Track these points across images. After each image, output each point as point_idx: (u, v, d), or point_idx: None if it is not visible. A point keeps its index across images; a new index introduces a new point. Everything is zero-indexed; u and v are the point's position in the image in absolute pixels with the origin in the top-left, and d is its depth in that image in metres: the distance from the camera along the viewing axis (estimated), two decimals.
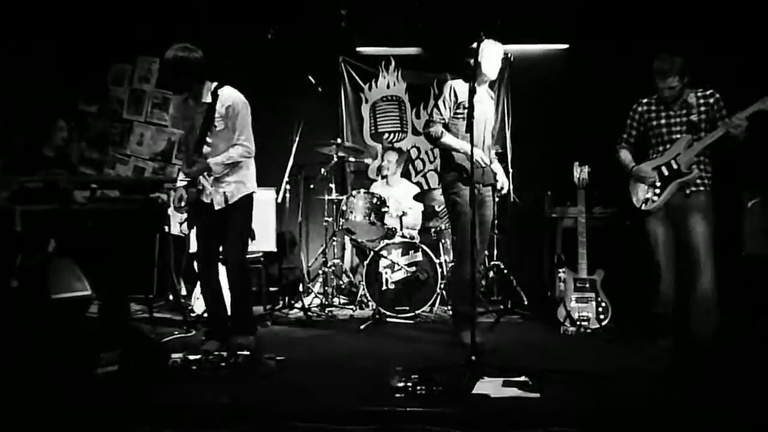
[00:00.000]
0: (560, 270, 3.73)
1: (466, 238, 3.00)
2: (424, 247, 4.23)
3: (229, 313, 3.23)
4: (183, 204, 3.05)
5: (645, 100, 3.22)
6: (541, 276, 4.52)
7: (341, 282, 4.76)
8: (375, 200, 4.22)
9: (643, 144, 3.21)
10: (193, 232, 3.12)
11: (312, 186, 4.75)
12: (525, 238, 4.64)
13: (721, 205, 3.05)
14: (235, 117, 3.03)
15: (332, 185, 4.64)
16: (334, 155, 4.55)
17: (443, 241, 4.45)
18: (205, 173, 3.04)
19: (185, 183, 3.05)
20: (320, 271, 4.65)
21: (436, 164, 5.33)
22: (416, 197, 4.48)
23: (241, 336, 3.15)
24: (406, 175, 5.09)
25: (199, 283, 3.95)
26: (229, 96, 3.05)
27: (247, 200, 3.17)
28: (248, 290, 3.20)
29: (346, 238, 4.77)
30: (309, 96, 4.07)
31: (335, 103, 5.30)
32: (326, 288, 4.61)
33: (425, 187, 5.11)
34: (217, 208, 3.13)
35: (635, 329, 3.33)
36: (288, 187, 4.53)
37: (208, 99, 3.01)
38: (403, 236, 4.39)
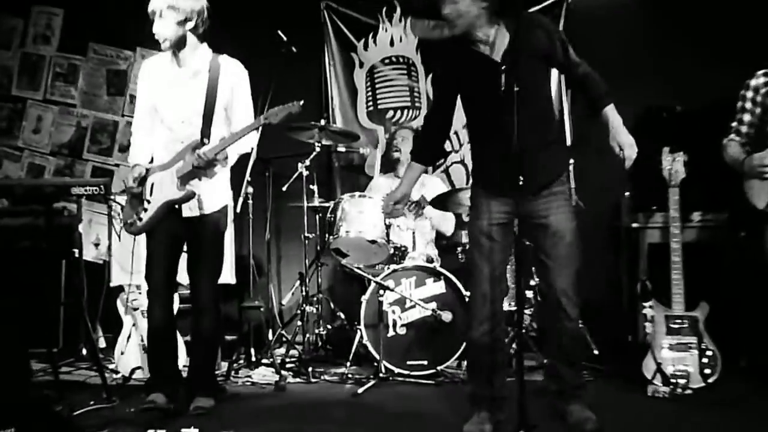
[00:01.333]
0: (646, 304, 3.73)
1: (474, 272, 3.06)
2: (448, 274, 4.23)
3: (181, 365, 3.47)
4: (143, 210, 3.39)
5: (763, 72, 3.26)
6: (617, 313, 4.49)
7: (329, 326, 4.78)
8: (379, 205, 4.23)
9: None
10: (139, 251, 3.34)
11: (284, 189, 4.70)
12: (592, 258, 4.25)
13: None
14: (242, 94, 3.46)
15: (314, 187, 4.67)
16: (317, 143, 4.56)
17: None
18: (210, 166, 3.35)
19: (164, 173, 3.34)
20: (298, 311, 4.60)
21: (463, 153, 5.37)
22: (435, 202, 4.51)
23: (205, 398, 3.40)
24: None
25: (123, 332, 4.05)
26: (236, 67, 3.47)
27: (226, 213, 3.52)
28: (220, 340, 3.42)
29: (336, 262, 4.80)
30: (279, 59, 4.00)
31: (317, 69, 5.34)
32: (308, 335, 4.63)
33: (447, 186, 5.15)
34: (186, 215, 3.39)
35: (758, 389, 3.35)
36: (250, 191, 4.56)
37: (197, 65, 3.41)
38: (420, 258, 4.43)
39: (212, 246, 3.46)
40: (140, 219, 3.45)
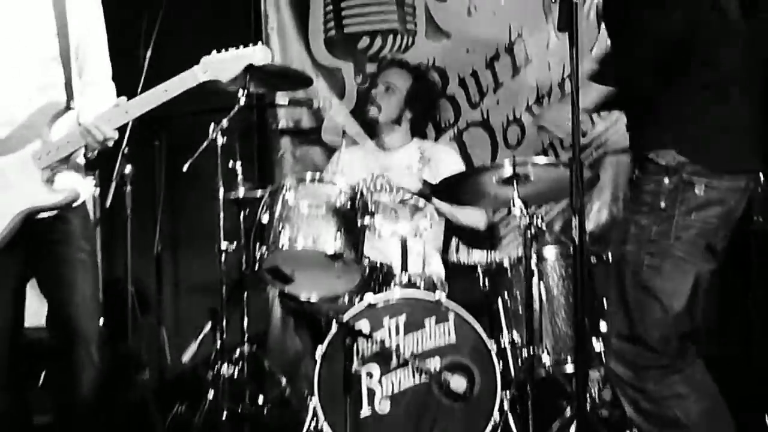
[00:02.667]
0: None
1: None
2: (462, 311, 4.27)
3: None
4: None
5: None
6: (743, 364, 4.62)
7: (261, 399, 4.73)
8: (342, 198, 4.32)
9: None
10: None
11: (186, 168, 4.64)
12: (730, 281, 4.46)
13: None
14: (97, 20, 3.67)
15: (237, 166, 4.75)
16: (240, 92, 4.59)
17: (511, 299, 4.51)
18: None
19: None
20: (209, 374, 4.62)
21: (486, 107, 5.51)
22: (446, 191, 4.54)
23: None
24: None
25: None
26: None
27: (86, 213, 3.72)
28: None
29: (273, 291, 4.98)
30: None
31: None
32: (224, 414, 4.54)
33: (462, 162, 5.33)
34: (47, 209, 3.52)
35: None
36: (128, 171, 4.57)
37: None
38: (410, 284, 4.45)
39: (83, 266, 3.58)
40: None
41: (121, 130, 3.65)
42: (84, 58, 3.66)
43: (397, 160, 5.12)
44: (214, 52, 3.48)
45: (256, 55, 3.48)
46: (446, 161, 5.10)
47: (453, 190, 4.54)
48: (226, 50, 3.47)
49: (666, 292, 3.20)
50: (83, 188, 3.64)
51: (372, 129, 5.24)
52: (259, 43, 3.52)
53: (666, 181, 3.23)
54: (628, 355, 3.20)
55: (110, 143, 3.53)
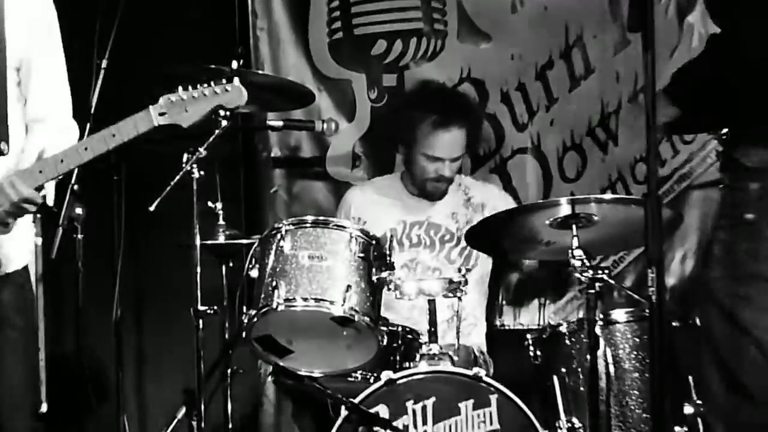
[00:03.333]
0: None
1: None
2: (508, 392, 4.22)
3: None
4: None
5: None
6: None
7: None
8: (353, 246, 4.32)
9: None
10: None
11: (153, 208, 4.49)
12: None
13: None
14: (49, 38, 3.71)
15: (218, 207, 4.79)
16: (221, 113, 4.31)
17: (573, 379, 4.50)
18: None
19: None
20: None
21: (536, 130, 5.55)
22: (485, 238, 4.59)
23: None
24: None
25: None
26: None
27: (28, 275, 3.79)
28: None
29: (265, 366, 5.03)
30: None
31: None
32: None
33: (509, 199, 5.39)
34: None
35: None
36: (80, 214, 4.37)
37: None
38: (441, 357, 4.39)
39: (12, 347, 3.60)
40: None
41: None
42: (28, 86, 3.63)
43: (438, 205, 5.16)
44: (180, 89, 3.49)
45: (228, 96, 3.50)
46: (493, 198, 5.13)
47: (493, 234, 4.52)
48: (194, 87, 3.49)
49: (761, 327, 3.17)
50: (18, 252, 3.62)
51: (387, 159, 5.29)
52: (235, 80, 3.55)
53: (753, 186, 3.21)
54: (725, 411, 3.21)
55: (31, 208, 3.51)
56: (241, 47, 5.48)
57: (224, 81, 3.50)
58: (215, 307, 4.61)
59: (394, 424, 4.10)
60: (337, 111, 5.53)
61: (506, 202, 5.22)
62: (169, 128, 3.48)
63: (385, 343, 4.35)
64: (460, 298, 4.53)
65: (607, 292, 4.50)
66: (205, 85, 3.50)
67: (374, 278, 4.30)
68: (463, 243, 4.97)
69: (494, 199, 5.20)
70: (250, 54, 5.54)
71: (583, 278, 4.18)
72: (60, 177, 3.56)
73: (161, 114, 3.42)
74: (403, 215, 5.15)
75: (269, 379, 5.09)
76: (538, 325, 5.04)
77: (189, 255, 4.52)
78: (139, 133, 3.46)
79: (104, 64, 4.67)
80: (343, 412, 4.10)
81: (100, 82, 4.62)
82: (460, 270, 4.53)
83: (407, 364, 4.39)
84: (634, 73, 5.13)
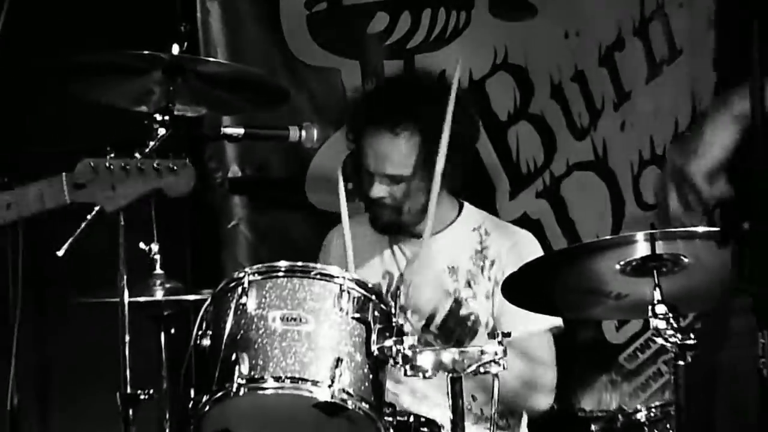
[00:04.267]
0: None
1: None
2: None
3: None
4: None
5: None
6: None
7: None
8: (344, 302, 4.30)
9: None
10: None
11: (61, 253, 4.67)
12: None
13: None
14: None
15: (154, 250, 4.98)
16: (157, 119, 4.64)
17: None
18: None
19: None
20: None
21: (600, 134, 5.81)
22: (509, 290, 4.57)
23: None
24: None
25: None
26: None
27: None
28: None
29: None
30: None
31: None
32: None
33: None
34: None
35: None
36: None
37: None
38: None
39: None
40: None
41: None
42: None
43: (439, 254, 5.22)
44: (109, 157, 3.66)
45: (172, 179, 3.75)
46: (527, 248, 5.17)
47: (540, 284, 4.45)
48: (129, 156, 3.67)
49: None
50: None
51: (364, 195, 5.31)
52: (186, 161, 3.72)
53: None
54: None
55: None
56: (185, 24, 5.26)
57: (170, 155, 3.62)
58: (151, 391, 4.70)
59: None
60: (320, 114, 5.61)
61: (530, 245, 5.34)
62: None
63: None
64: (496, 376, 4.45)
65: None
66: (139, 157, 3.64)
67: (374, 348, 4.21)
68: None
69: (516, 239, 5.31)
70: (197, 33, 5.71)
71: (668, 345, 4.03)
72: None
73: (78, 186, 3.54)
74: (393, 264, 5.30)
75: None
76: (607, 411, 5.01)
77: (113, 318, 4.63)
78: (44, 209, 3.56)
79: None
80: None
81: None
82: (494, 335, 4.41)
83: None
84: None
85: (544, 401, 5.14)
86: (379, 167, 5.24)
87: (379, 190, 5.21)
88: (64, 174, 3.56)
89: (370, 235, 5.42)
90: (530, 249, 5.26)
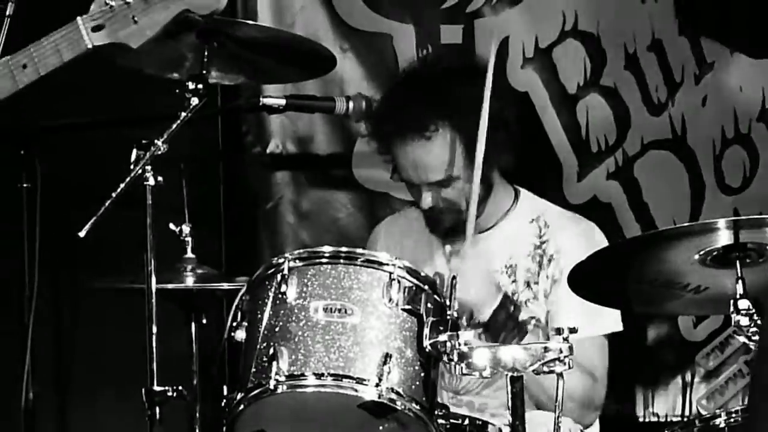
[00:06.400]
0: None
1: None
2: None
3: None
4: None
5: None
6: None
7: None
8: (393, 292, 4.30)
9: None
10: None
11: (83, 234, 4.45)
12: None
13: None
14: None
15: (185, 231, 4.98)
16: (190, 87, 4.65)
17: None
18: None
19: None
20: None
21: (678, 109, 5.98)
22: (575, 281, 4.66)
23: None
24: None
25: None
26: None
27: None
28: None
29: None
30: None
31: None
32: None
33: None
34: None
35: None
36: None
37: None
38: None
39: None
40: None
41: None
42: None
43: (493, 252, 5.24)
44: None
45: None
46: (588, 249, 4.89)
47: (610, 275, 4.51)
48: None
49: None
50: None
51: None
52: None
53: None
54: None
55: None
56: None
57: None
58: (179, 388, 4.54)
59: None
60: (370, 83, 5.66)
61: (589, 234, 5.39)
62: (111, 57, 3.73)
63: None
64: (561, 375, 4.40)
65: None
66: None
67: (427, 343, 4.18)
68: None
69: (575, 251, 5.05)
70: None
71: (751, 345, 4.10)
72: None
73: (95, 29, 3.51)
74: (433, 266, 5.29)
75: None
76: (683, 416, 5.00)
77: (139, 306, 4.49)
78: (63, 62, 3.52)
79: (9, 9, 4.56)
80: None
81: (4, 33, 4.54)
82: (560, 331, 4.32)
83: None
84: None
85: (587, 419, 5.19)
86: (421, 177, 5.25)
87: (430, 200, 5.22)
88: (78, 18, 3.58)
89: (418, 233, 5.43)
90: (594, 242, 5.24)
